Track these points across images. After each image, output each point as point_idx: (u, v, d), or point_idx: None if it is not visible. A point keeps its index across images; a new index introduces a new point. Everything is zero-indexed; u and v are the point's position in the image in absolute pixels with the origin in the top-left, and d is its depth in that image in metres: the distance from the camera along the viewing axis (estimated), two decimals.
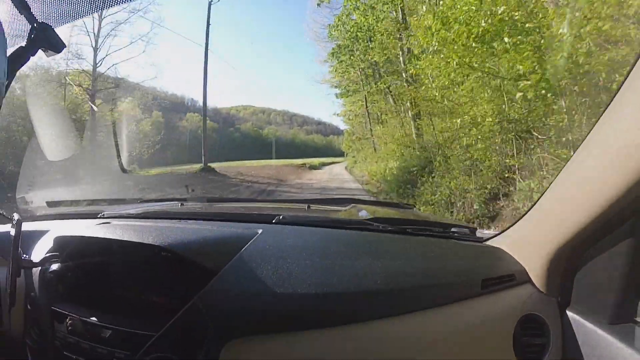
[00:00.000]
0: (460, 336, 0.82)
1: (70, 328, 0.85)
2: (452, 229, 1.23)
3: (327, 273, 0.81)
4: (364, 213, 1.37)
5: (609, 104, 0.63)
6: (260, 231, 0.95)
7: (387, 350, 0.74)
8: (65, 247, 0.93)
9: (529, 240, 0.95)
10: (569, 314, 0.86)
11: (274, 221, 1.09)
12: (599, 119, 0.67)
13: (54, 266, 0.91)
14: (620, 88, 0.61)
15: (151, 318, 0.78)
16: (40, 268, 0.92)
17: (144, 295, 0.86)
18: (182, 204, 1.57)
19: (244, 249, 0.86)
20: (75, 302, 0.88)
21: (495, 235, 1.13)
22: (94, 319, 0.83)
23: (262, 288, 0.75)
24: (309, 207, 1.53)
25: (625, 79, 0.59)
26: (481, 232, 1.28)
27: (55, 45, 0.74)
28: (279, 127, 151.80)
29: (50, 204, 1.69)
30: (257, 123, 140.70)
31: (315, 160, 41.88)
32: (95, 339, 0.81)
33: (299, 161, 36.71)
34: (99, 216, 1.22)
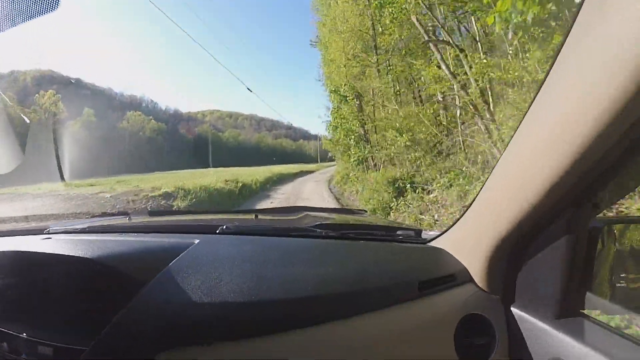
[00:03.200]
0: (398, 340, 0.80)
1: (10, 346, 0.83)
2: (398, 232, 1.18)
3: (259, 281, 0.80)
4: (312, 221, 1.24)
5: (534, 99, 0.64)
6: (197, 241, 0.92)
7: (321, 357, 0.74)
8: (4, 263, 0.90)
9: (469, 239, 0.94)
10: (514, 310, 0.85)
11: (217, 231, 1.04)
12: (524, 115, 0.67)
13: None
14: (542, 84, 0.62)
15: (88, 333, 0.74)
16: None
17: (83, 310, 0.82)
18: (129, 218, 1.48)
19: (175, 259, 0.83)
20: (16, 320, 0.85)
21: (438, 236, 1.08)
22: (33, 336, 0.80)
23: (188, 298, 0.74)
24: (256, 216, 1.50)
25: (547, 74, 0.60)
26: (426, 234, 1.18)
27: None
28: (243, 131, 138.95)
29: None
30: (223, 127, 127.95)
31: (259, 172, 20.08)
32: (35, 356, 0.80)
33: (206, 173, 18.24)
34: (44, 232, 1.12)
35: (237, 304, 0.74)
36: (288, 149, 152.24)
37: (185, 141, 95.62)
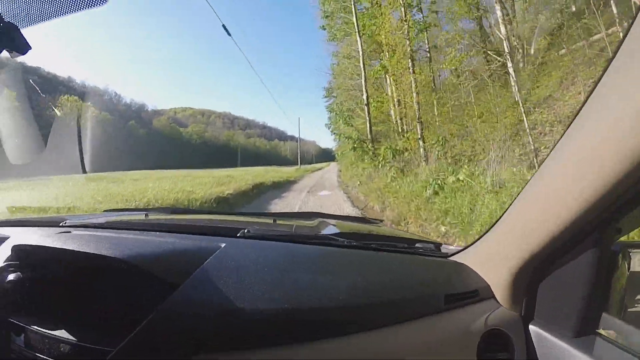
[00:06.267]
0: (424, 353, 0.80)
1: (27, 341, 0.82)
2: (417, 245, 1.19)
3: (289, 288, 0.79)
4: (330, 228, 1.30)
5: (574, 118, 0.65)
6: (223, 245, 0.92)
7: None
8: (23, 256, 0.89)
9: (493, 256, 0.95)
10: (532, 328, 0.86)
11: (238, 235, 1.03)
12: (562, 135, 0.68)
13: (12, 276, 0.84)
14: (586, 101, 0.63)
15: (111, 333, 0.73)
16: None
17: (104, 309, 0.80)
18: (146, 215, 1.46)
19: (206, 262, 0.82)
20: (33, 314, 0.84)
21: (460, 251, 1.08)
22: (52, 332, 0.79)
23: (224, 303, 0.73)
24: (274, 221, 1.45)
25: (591, 92, 0.61)
26: (446, 248, 1.20)
27: (20, 46, 0.76)
28: (210, 127, 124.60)
29: (11, 209, 1.90)
30: (189, 123, 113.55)
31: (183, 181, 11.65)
32: (53, 354, 0.78)
33: None
34: (60, 224, 1.14)
35: (270, 310, 0.73)
36: (262, 149, 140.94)
37: (135, 136, 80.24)
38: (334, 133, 16.44)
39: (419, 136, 7.72)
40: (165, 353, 0.66)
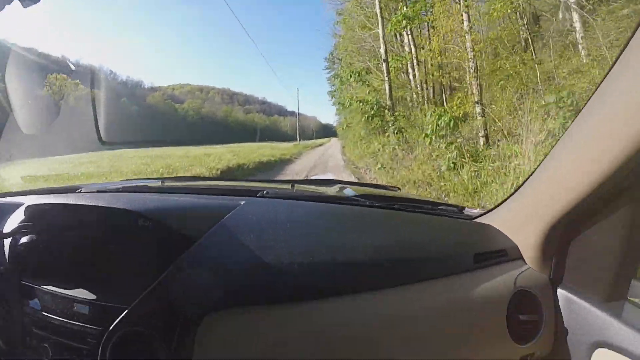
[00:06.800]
0: (455, 309, 0.80)
1: (41, 303, 0.80)
2: (440, 207, 1.18)
3: (313, 244, 0.77)
4: (350, 191, 1.26)
5: (607, 73, 0.62)
6: (243, 202, 0.88)
7: (379, 323, 0.72)
8: (37, 217, 0.87)
9: (521, 217, 0.94)
10: (561, 291, 0.85)
11: (258, 195, 1.00)
12: (593, 92, 0.65)
13: (25, 238, 0.84)
14: (619, 57, 0.59)
15: (126, 291, 0.71)
16: (10, 240, 0.86)
17: (119, 267, 0.79)
18: (162, 182, 1.46)
19: (225, 217, 0.80)
20: (46, 276, 0.82)
21: (484, 214, 1.08)
22: (65, 292, 0.77)
23: (243, 258, 0.71)
24: (292, 186, 1.39)
25: (627, 44, 0.58)
26: (469, 211, 1.19)
27: None
28: (207, 103, 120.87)
29: (26, 179, 2.00)
30: (186, 99, 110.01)
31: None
32: (66, 314, 0.76)
33: None
34: (76, 191, 1.11)
35: (293, 266, 0.70)
36: (260, 125, 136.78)
37: (125, 112, 77.42)
38: (340, 103, 13.83)
39: (476, 100, 5.22)
40: (181, 309, 0.64)
